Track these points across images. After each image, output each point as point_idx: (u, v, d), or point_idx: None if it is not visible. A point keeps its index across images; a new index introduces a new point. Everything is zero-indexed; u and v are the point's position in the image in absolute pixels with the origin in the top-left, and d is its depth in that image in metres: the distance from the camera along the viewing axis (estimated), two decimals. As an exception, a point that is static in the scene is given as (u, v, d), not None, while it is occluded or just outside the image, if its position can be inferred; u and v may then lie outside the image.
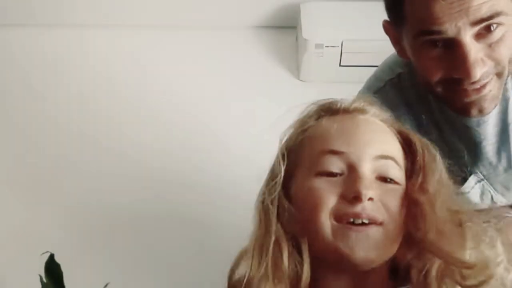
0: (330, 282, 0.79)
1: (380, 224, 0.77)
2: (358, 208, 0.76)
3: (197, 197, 1.99)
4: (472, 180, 1.13)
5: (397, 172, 0.80)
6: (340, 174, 0.78)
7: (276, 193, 0.82)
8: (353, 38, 2.03)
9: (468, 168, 1.12)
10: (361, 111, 0.86)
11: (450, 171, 0.83)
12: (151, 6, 2.18)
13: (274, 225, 0.79)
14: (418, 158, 0.82)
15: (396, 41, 1.07)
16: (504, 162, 1.11)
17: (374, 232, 0.76)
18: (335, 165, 0.79)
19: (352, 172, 0.78)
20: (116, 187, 2.02)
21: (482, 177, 1.14)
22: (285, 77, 2.21)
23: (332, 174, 0.78)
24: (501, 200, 1.17)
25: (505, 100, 1.05)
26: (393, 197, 0.78)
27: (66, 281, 1.57)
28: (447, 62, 0.94)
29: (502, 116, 1.06)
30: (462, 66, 0.91)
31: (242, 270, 0.81)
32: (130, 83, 2.19)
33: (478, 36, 0.92)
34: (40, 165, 2.06)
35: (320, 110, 0.87)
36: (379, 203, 0.77)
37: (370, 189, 0.76)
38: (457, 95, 0.98)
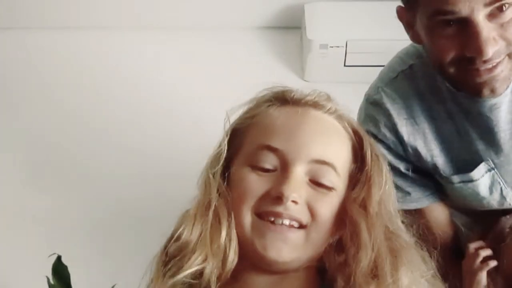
0: (251, 276, 0.77)
1: (303, 227, 0.75)
2: (280, 208, 0.74)
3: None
4: (482, 167, 1.13)
5: (334, 178, 0.77)
6: (273, 170, 0.77)
7: (218, 167, 0.81)
8: (358, 38, 2.03)
9: (480, 156, 1.12)
10: (315, 105, 0.83)
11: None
12: (156, 7, 2.18)
13: (215, 197, 0.78)
14: (366, 168, 0.80)
15: (409, 26, 1.08)
16: None
17: (293, 234, 0.75)
18: (269, 161, 0.77)
19: (283, 171, 0.76)
20: (124, 187, 2.03)
21: (493, 165, 1.13)
22: (289, 77, 2.21)
23: (264, 170, 0.77)
24: (511, 196, 1.17)
25: None
26: (324, 202, 0.76)
27: (73, 282, 1.58)
28: (460, 40, 0.95)
29: None
30: (475, 44, 0.93)
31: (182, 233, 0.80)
32: (138, 83, 2.19)
33: (491, 16, 0.94)
34: (45, 163, 2.07)
35: (272, 97, 0.87)
36: (305, 206, 0.75)
37: (295, 192, 0.74)
38: (469, 75, 0.99)
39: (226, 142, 0.82)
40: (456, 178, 1.16)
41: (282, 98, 0.86)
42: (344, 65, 2.10)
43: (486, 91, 1.01)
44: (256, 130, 0.82)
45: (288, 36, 2.25)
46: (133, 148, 2.08)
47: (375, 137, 1.12)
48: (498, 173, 1.14)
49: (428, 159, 1.15)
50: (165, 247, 0.82)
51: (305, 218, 0.75)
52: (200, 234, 0.76)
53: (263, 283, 0.77)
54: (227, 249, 0.75)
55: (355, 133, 0.82)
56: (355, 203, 0.77)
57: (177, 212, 2.04)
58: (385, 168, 0.81)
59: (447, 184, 1.18)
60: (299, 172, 0.76)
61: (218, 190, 0.79)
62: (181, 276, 0.74)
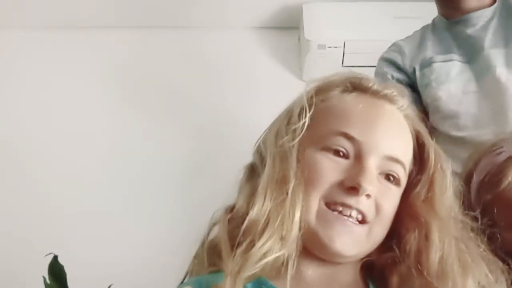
0: (302, 261, 0.73)
1: (367, 223, 0.73)
2: (352, 200, 0.72)
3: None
4: (459, 58, 1.37)
5: (402, 177, 0.76)
6: (346, 157, 0.74)
7: (295, 142, 0.75)
8: (356, 38, 2.03)
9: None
10: (390, 100, 0.79)
11: None
12: (154, 6, 2.17)
13: (293, 174, 0.72)
14: (428, 170, 0.78)
15: None
16: None
17: (358, 229, 0.72)
18: (345, 147, 0.74)
19: (358, 161, 0.74)
20: (119, 186, 2.03)
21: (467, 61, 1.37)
22: (287, 77, 2.21)
23: (338, 154, 0.74)
24: (474, 85, 1.34)
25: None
26: (390, 199, 0.75)
27: (70, 282, 1.57)
28: None
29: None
30: None
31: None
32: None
33: None
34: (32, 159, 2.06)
35: (348, 82, 0.80)
36: (373, 202, 0.73)
37: (371, 185, 0.72)
38: None
39: (309, 116, 0.77)
40: (439, 57, 1.38)
41: (359, 86, 0.80)
42: (342, 66, 2.10)
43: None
44: (330, 114, 0.77)
45: (286, 36, 2.25)
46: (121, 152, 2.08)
47: (385, 59, 1.47)
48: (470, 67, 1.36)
49: (421, 56, 1.42)
50: (225, 226, 0.75)
51: (371, 213, 0.73)
52: (274, 213, 0.70)
53: (315, 272, 0.75)
54: (293, 233, 0.70)
55: (417, 134, 0.81)
56: (419, 200, 0.76)
57: (179, 216, 2.04)
58: (448, 172, 0.79)
59: (425, 78, 1.39)
60: (373, 165, 0.73)
61: (295, 166, 0.74)
62: (263, 262, 0.68)
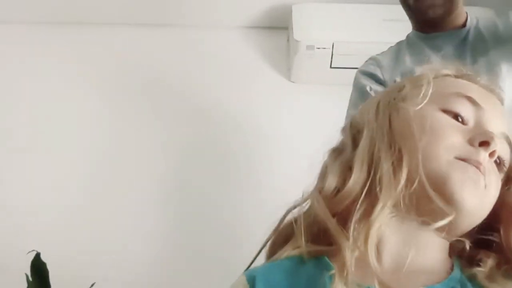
0: (387, 229, 0.69)
1: (485, 187, 0.69)
2: (481, 156, 0.68)
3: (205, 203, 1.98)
4: None
5: (507, 162, 0.72)
6: (465, 124, 0.71)
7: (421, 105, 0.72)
8: (344, 40, 2.04)
9: None
10: (496, 96, 0.78)
11: None
12: (142, 3, 2.16)
13: (412, 127, 0.70)
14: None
15: None
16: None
17: (485, 186, 0.68)
18: (467, 111, 0.71)
19: (480, 126, 0.71)
20: (107, 183, 2.02)
21: None
22: (276, 77, 2.21)
23: (457, 118, 0.71)
24: None
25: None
26: (496, 183, 0.71)
27: (52, 280, 1.56)
28: None
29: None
30: None
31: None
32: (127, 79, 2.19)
33: None
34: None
35: (459, 73, 0.78)
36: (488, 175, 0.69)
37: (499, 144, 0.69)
38: (420, 2, 1.41)
39: (431, 83, 0.73)
40: (419, 68, 1.34)
41: (469, 78, 0.78)
42: (330, 67, 2.10)
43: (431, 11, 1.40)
44: (448, 81, 0.75)
45: (275, 36, 2.25)
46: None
47: (363, 72, 1.50)
48: None
49: (400, 68, 1.45)
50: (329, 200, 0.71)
51: (488, 181, 0.69)
52: (390, 175, 0.67)
53: (403, 234, 0.70)
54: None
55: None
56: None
57: (163, 217, 2.03)
58: None
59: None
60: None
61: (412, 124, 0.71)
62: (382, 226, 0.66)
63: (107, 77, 2.17)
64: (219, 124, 2.12)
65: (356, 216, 0.67)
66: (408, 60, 1.46)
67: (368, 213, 0.67)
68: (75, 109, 2.12)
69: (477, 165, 0.68)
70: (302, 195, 0.76)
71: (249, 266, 0.75)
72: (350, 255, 0.65)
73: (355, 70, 1.57)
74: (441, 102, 0.72)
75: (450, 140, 0.69)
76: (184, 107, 2.15)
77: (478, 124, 0.71)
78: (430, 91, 0.72)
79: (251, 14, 2.22)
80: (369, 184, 0.69)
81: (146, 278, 1.88)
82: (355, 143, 0.74)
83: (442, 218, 0.67)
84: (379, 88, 1.46)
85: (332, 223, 0.69)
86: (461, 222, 0.69)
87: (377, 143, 0.71)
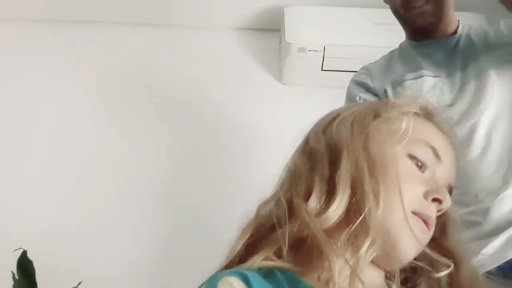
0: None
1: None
2: (433, 211, 0.75)
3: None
4: (430, 73, 1.41)
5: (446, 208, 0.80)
6: (423, 172, 0.77)
7: (399, 146, 0.78)
8: (336, 43, 2.05)
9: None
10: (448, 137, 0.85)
11: None
12: (132, 3, 2.16)
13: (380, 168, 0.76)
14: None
15: None
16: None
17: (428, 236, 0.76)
18: (429, 161, 0.77)
19: (434, 181, 0.77)
20: (92, 182, 2.01)
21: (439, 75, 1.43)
22: (267, 79, 2.22)
23: (420, 166, 0.77)
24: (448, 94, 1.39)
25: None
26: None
27: (39, 278, 1.55)
28: None
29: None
30: None
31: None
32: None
33: None
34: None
35: (419, 110, 0.83)
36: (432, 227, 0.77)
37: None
38: (409, 11, 1.42)
39: (411, 125, 0.78)
40: (410, 76, 1.43)
41: (432, 117, 0.84)
42: (322, 70, 2.11)
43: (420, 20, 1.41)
44: (418, 124, 0.80)
45: (267, 38, 2.26)
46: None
47: (355, 82, 1.51)
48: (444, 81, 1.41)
49: (391, 77, 1.46)
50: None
51: (429, 235, 0.77)
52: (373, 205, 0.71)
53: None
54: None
55: None
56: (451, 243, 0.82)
57: (151, 215, 2.02)
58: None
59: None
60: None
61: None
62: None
63: (102, 76, 2.17)
64: (210, 125, 2.12)
65: (343, 242, 0.71)
66: (399, 68, 1.47)
67: (353, 241, 0.71)
68: (70, 108, 2.11)
69: (427, 219, 0.75)
70: (274, 194, 0.79)
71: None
72: (338, 273, 0.68)
73: (346, 73, 1.58)
74: (409, 147, 0.77)
75: (412, 192, 0.75)
76: (174, 107, 2.14)
77: (433, 176, 0.78)
78: (407, 137, 0.77)
79: (244, 15, 2.22)
80: (352, 209, 0.72)
81: (134, 277, 1.87)
82: (332, 158, 0.77)
83: (387, 260, 0.75)
84: (368, 97, 1.47)
85: (325, 241, 0.70)
86: (400, 264, 0.76)
87: (358, 169, 0.74)
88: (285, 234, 0.72)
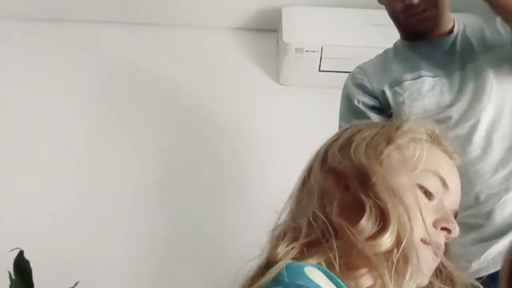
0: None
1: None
2: (441, 239, 0.79)
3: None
4: (428, 73, 1.42)
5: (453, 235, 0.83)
6: (431, 200, 0.80)
7: (416, 173, 0.81)
8: (333, 43, 2.05)
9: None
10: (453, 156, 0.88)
11: None
12: (128, 2, 2.16)
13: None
14: None
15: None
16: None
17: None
18: (437, 191, 0.80)
19: (442, 209, 0.80)
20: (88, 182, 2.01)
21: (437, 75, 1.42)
22: (265, 80, 2.21)
23: (429, 196, 0.80)
24: (447, 95, 1.39)
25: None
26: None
27: (36, 278, 1.55)
28: None
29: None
30: None
31: None
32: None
33: None
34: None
35: (429, 135, 0.86)
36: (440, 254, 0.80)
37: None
38: (410, 18, 1.42)
39: (423, 155, 0.81)
40: (408, 76, 1.42)
41: (440, 143, 0.86)
42: (319, 70, 2.11)
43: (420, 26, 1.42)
44: (429, 152, 0.82)
45: (264, 39, 2.26)
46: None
47: (352, 82, 1.50)
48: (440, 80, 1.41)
49: (387, 77, 1.45)
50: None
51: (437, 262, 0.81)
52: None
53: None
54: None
55: None
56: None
57: (147, 216, 2.03)
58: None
59: (397, 97, 1.42)
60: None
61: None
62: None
63: (99, 76, 2.16)
64: (207, 125, 2.12)
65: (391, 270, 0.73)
66: (396, 68, 1.46)
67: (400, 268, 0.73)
68: (66, 108, 2.11)
69: (436, 248, 0.78)
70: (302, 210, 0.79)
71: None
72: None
73: (343, 74, 1.58)
74: (419, 177, 0.80)
75: (422, 222, 0.77)
76: (171, 107, 2.14)
77: (442, 204, 0.81)
78: (419, 167, 0.80)
79: (241, 16, 2.22)
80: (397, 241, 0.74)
81: (130, 277, 1.87)
82: (362, 184, 0.78)
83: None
84: (365, 99, 1.46)
85: (378, 263, 0.72)
86: None
87: (391, 199, 0.76)
88: (333, 250, 0.73)
